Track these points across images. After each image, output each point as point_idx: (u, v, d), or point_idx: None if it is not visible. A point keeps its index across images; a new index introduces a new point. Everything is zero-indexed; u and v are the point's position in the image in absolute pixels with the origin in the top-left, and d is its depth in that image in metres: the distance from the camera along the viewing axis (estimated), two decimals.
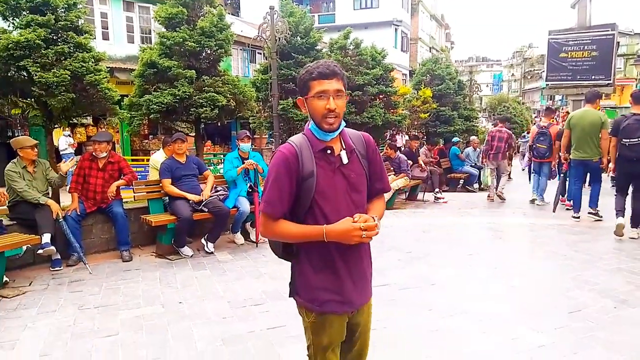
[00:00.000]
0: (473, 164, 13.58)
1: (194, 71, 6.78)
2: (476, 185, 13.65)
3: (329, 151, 1.92)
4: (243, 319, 4.06)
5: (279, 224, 1.92)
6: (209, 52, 7.15)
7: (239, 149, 6.42)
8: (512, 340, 3.58)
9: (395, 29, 31.67)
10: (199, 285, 4.95)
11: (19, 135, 9.56)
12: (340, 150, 1.95)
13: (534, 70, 57.19)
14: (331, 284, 1.97)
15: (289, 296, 2.11)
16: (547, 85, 19.79)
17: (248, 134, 6.38)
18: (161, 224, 5.88)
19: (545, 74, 19.07)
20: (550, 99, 50.61)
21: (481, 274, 5.23)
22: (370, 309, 2.21)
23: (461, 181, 13.43)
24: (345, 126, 2.00)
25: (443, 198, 10.74)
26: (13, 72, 5.75)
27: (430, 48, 40.46)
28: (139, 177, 8.29)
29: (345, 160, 1.94)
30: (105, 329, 3.89)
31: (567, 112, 22.59)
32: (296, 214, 1.95)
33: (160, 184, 6.12)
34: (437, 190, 10.94)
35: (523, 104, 47.61)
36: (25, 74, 5.70)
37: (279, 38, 8.02)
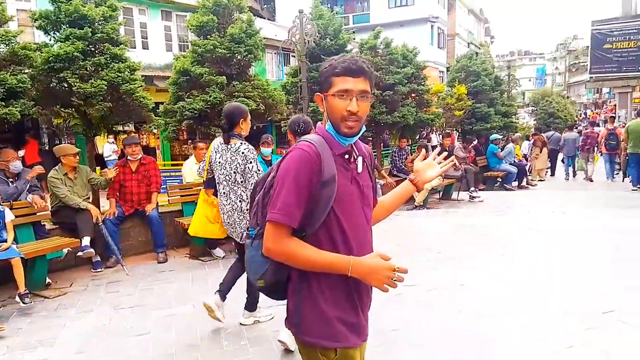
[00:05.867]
0: (512, 162, 13.22)
1: (224, 77, 6.95)
2: (515, 184, 13.27)
3: (347, 156, 1.69)
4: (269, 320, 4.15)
5: (294, 242, 1.61)
6: (239, 57, 7.31)
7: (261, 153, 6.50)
8: (542, 342, 3.49)
9: (432, 26, 31.19)
10: None
11: (64, 143, 10.09)
12: (356, 157, 1.73)
13: (579, 62, 54.97)
14: (348, 311, 1.69)
15: (294, 332, 1.74)
16: (591, 78, 19.06)
17: (269, 139, 6.32)
18: None
19: (589, 66, 18.37)
20: (597, 92, 48.57)
21: (513, 275, 5.11)
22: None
23: (499, 179, 13.10)
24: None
25: (479, 197, 10.51)
26: (54, 84, 6.08)
27: (468, 43, 39.62)
28: (177, 182, 8.62)
29: (360, 168, 1.73)
30: (138, 328, 4.06)
31: (614, 106, 21.74)
32: (307, 226, 1.63)
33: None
34: (472, 189, 10.72)
35: (568, 98, 45.83)
36: (65, 85, 6.01)
37: (308, 41, 8.09)
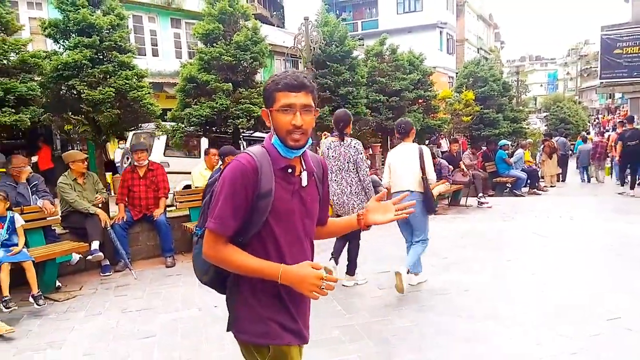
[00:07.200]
0: (522, 168, 13.12)
1: (230, 84, 7.04)
2: (525, 190, 13.18)
3: (290, 170, 1.74)
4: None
5: (229, 249, 1.69)
6: (244, 64, 7.40)
7: None
8: (543, 348, 3.48)
9: (440, 32, 31.21)
10: None
11: (74, 150, 10.23)
12: (302, 171, 1.79)
13: (591, 67, 54.53)
14: (282, 313, 1.76)
15: (227, 330, 1.83)
16: (601, 83, 18.93)
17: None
18: None
19: (599, 71, 18.24)
20: (610, 97, 48.12)
21: (518, 280, 5.10)
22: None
23: (508, 185, 13.02)
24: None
25: (487, 203, 10.47)
26: (64, 91, 6.22)
27: (478, 49, 39.53)
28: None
29: (305, 182, 1.78)
30: (145, 331, 4.12)
31: (626, 113, 21.57)
32: (241, 234, 1.71)
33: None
34: (480, 194, 10.69)
35: (579, 103, 45.49)
36: (74, 92, 6.14)
37: (314, 48, 8.17)
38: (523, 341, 3.61)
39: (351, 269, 5.13)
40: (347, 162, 4.86)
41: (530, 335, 3.69)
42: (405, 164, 4.86)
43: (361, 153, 4.89)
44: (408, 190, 4.74)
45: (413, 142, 5.04)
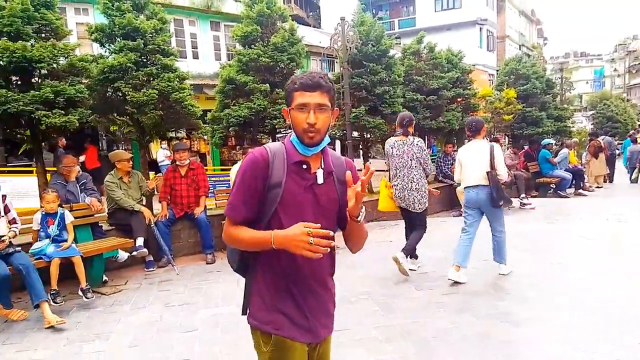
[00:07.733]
0: (567, 168, 12.66)
1: (268, 85, 7.14)
2: (570, 190, 12.71)
3: (304, 166, 1.79)
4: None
5: (238, 228, 1.78)
6: (282, 65, 7.49)
7: None
8: (588, 354, 3.37)
9: (480, 28, 30.47)
10: None
11: (119, 149, 10.60)
12: (318, 168, 1.82)
13: None
14: (291, 308, 1.82)
15: (242, 314, 1.93)
16: None
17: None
18: None
19: None
20: None
21: (563, 284, 4.93)
22: (329, 345, 2.02)
23: (552, 186, 12.60)
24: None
25: (530, 204, 10.17)
26: (110, 93, 6.47)
27: (520, 46, 38.40)
28: (226, 186, 8.89)
29: (320, 180, 1.81)
30: (187, 325, 4.24)
31: None
32: (253, 223, 1.80)
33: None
34: (522, 195, 10.39)
35: (628, 101, 43.51)
36: (119, 94, 6.38)
37: (350, 48, 8.16)
38: (572, 348, 3.49)
39: (407, 250, 5.34)
40: (410, 160, 5.22)
41: (573, 340, 3.57)
42: (475, 160, 5.10)
43: (424, 150, 5.28)
44: (479, 185, 5.03)
45: (484, 139, 5.28)
